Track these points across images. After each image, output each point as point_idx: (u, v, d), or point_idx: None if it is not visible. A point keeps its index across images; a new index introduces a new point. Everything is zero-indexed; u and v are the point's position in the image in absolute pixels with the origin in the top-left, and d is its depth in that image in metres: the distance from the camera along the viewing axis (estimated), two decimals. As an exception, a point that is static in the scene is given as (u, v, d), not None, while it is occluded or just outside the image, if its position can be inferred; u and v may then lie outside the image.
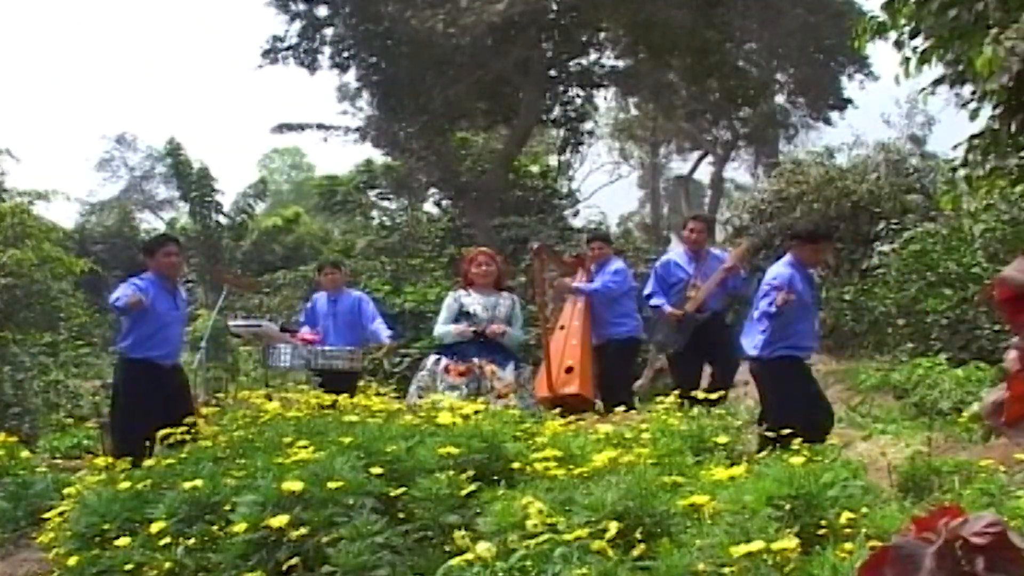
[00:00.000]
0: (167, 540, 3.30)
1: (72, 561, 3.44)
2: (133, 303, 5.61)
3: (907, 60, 5.58)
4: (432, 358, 6.10)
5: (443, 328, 6.09)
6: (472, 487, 3.19)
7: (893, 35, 5.69)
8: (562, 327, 7.72)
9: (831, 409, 5.92)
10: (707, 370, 7.20)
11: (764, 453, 3.86)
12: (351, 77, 19.37)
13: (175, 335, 6.06)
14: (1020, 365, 1.02)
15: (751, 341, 5.71)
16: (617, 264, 7.81)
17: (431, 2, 15.93)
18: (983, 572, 0.93)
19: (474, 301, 6.06)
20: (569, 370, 7.47)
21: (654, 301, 7.17)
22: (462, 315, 6.02)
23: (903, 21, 5.52)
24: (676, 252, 7.69)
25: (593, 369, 7.65)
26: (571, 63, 19.06)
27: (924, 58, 5.53)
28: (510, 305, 6.09)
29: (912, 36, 5.61)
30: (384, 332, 7.51)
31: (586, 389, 7.38)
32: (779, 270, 5.67)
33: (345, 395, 4.87)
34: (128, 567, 3.30)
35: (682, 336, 6.97)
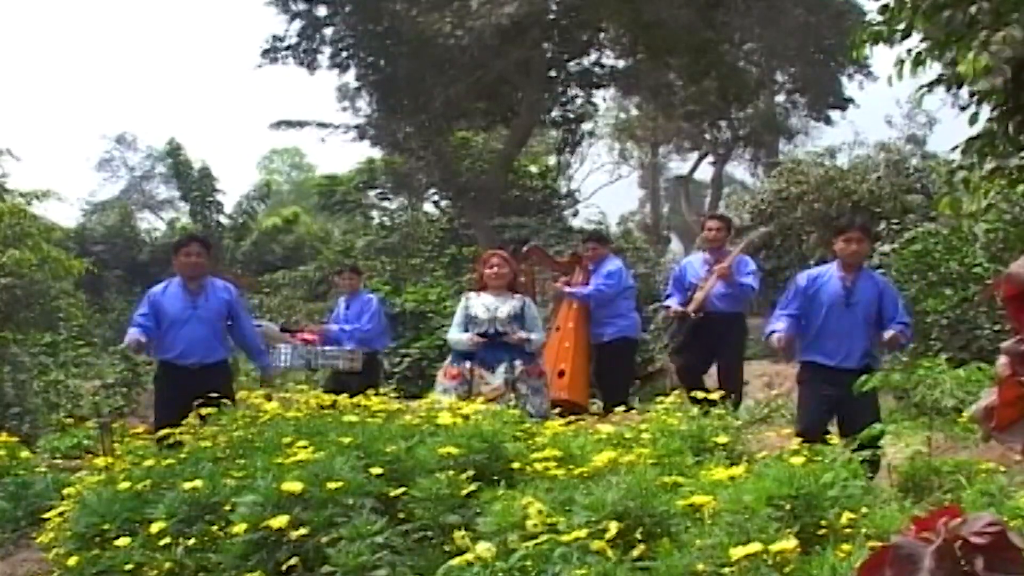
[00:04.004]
0: (167, 540, 3.30)
1: (72, 561, 3.44)
2: (134, 347, 6.08)
3: (901, 63, 5.55)
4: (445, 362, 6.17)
5: (454, 336, 5.97)
6: (472, 487, 3.18)
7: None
8: (557, 328, 7.69)
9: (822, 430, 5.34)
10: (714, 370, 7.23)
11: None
12: (351, 77, 19.39)
13: (190, 335, 5.96)
14: (1011, 370, 1.02)
15: None
16: (612, 265, 7.71)
17: (438, 3, 15.90)
18: (982, 572, 0.93)
19: (478, 304, 5.88)
20: (561, 374, 7.41)
21: (667, 301, 7.33)
22: (468, 319, 5.86)
23: (899, 25, 5.49)
24: (696, 254, 7.72)
25: (590, 368, 7.64)
26: (571, 63, 19.04)
27: (918, 61, 5.50)
28: (517, 306, 5.85)
29: (904, 37, 5.58)
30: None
31: (577, 394, 7.32)
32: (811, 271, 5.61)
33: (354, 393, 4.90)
34: (128, 567, 3.30)
35: (680, 334, 7.06)
